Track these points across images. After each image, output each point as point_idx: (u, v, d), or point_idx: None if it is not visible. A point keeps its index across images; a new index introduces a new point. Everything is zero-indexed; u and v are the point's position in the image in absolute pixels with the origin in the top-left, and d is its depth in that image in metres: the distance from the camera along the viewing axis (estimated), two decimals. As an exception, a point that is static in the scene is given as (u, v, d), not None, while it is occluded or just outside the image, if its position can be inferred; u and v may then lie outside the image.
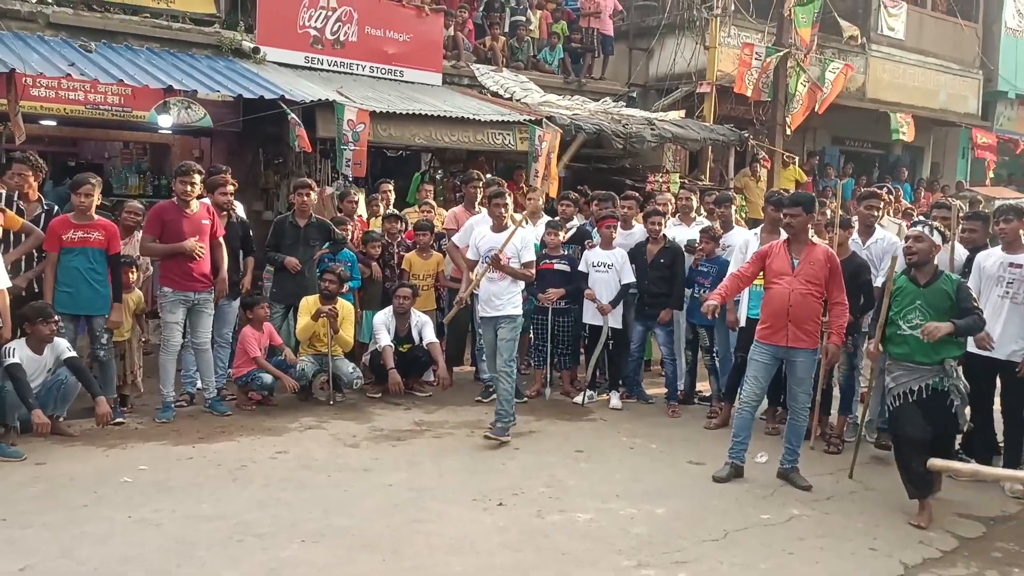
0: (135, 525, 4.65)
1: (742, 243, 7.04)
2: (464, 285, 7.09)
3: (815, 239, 6.05)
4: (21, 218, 6.38)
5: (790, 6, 14.01)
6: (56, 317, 6.09)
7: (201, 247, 6.65)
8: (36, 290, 6.46)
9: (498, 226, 6.65)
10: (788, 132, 14.62)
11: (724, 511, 5.21)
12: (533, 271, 6.85)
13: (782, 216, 6.04)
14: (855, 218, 7.01)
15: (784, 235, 5.94)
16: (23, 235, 6.40)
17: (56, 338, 6.10)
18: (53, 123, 10.21)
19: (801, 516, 5.20)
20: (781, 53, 13.98)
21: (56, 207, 6.82)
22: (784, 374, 5.97)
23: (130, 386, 7.03)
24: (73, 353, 6.16)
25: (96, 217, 6.50)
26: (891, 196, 9.52)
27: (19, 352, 5.90)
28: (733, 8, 14.66)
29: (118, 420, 6.45)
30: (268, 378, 7.08)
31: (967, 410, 5.42)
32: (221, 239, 6.94)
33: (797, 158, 15.14)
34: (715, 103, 14.04)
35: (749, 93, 13.97)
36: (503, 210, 6.63)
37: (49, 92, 9.14)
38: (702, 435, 6.87)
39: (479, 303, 6.84)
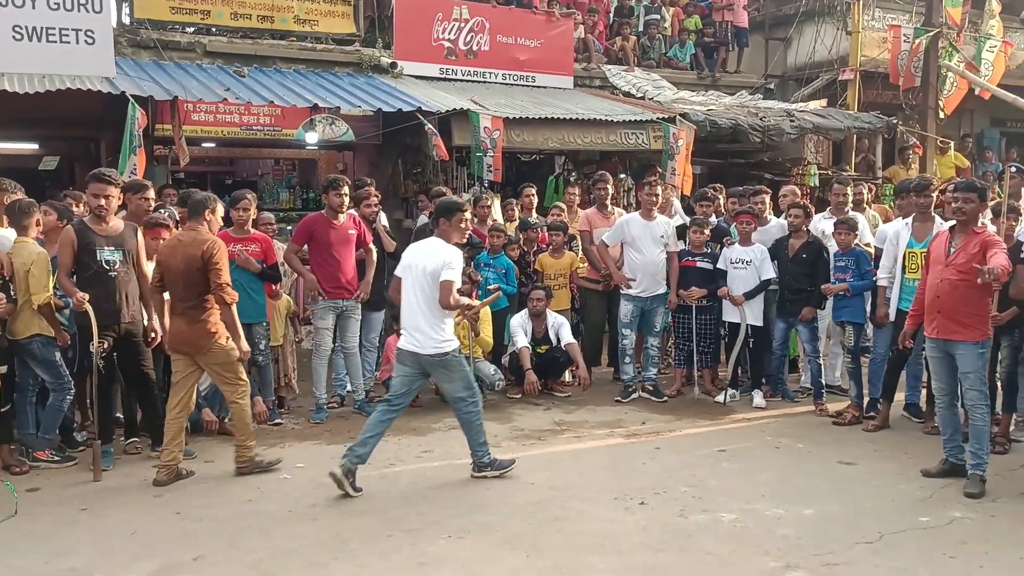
0: (294, 519, 4.93)
1: (892, 234, 6.73)
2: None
3: (989, 226, 5.67)
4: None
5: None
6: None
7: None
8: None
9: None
10: (942, 116, 13.80)
11: (879, 513, 4.99)
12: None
13: (953, 200, 5.59)
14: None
15: (934, 223, 5.62)
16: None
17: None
18: (212, 145, 10.96)
19: (964, 519, 4.91)
20: (931, 33, 13.22)
21: None
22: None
23: (285, 387, 7.44)
24: (234, 358, 6.57)
25: (252, 231, 6.94)
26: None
27: (187, 358, 6.36)
28: (877, -11, 14.02)
29: (276, 421, 6.85)
30: (407, 379, 7.30)
31: None
32: (372, 245, 7.23)
33: (953, 143, 14.26)
34: (859, 90, 13.43)
35: (901, 83, 13.27)
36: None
37: (208, 116, 9.85)
38: (853, 435, 6.59)
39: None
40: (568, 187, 10.15)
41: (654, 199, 7.69)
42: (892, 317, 6.56)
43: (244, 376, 5.74)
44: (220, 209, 5.82)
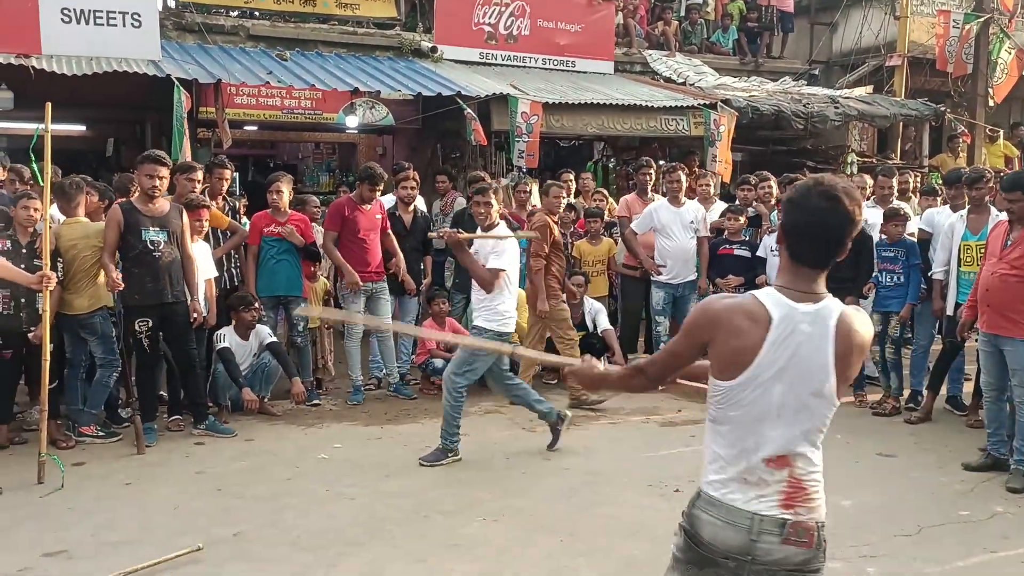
0: (331, 498, 4.99)
1: (948, 227, 6.57)
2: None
3: None
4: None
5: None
6: (257, 304, 6.66)
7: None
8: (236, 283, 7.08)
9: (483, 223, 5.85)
10: (991, 104, 13.46)
11: (918, 506, 4.92)
12: (495, 277, 5.64)
13: (1005, 199, 5.44)
14: None
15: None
16: (229, 231, 7.03)
17: (259, 325, 6.66)
18: (254, 128, 11.07)
19: (1005, 514, 4.82)
20: (982, 19, 12.89)
21: (236, 204, 7.54)
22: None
23: (322, 370, 7.53)
24: (274, 338, 6.71)
25: (290, 211, 7.04)
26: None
27: (228, 338, 6.50)
28: (927, -27, 13.70)
29: (315, 402, 6.93)
30: (439, 363, 7.32)
31: None
32: (389, 230, 7.26)
33: (1002, 131, 13.91)
34: (907, 76, 13.13)
35: (951, 70, 12.95)
36: (483, 209, 5.79)
37: (250, 100, 9.95)
38: (893, 426, 6.50)
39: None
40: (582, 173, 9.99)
41: (675, 185, 7.68)
42: (950, 311, 6.43)
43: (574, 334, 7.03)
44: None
